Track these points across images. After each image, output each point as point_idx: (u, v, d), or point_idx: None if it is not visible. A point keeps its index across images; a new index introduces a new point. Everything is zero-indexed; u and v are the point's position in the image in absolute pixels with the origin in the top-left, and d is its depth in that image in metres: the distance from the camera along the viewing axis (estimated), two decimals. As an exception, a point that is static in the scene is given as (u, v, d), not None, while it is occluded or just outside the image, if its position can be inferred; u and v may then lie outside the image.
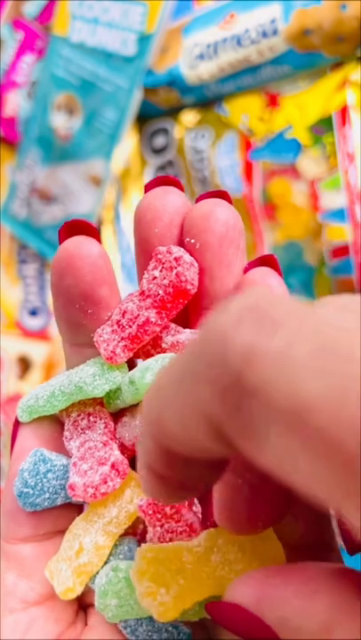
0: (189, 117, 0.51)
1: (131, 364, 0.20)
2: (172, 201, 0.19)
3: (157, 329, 0.19)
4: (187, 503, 0.19)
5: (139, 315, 0.19)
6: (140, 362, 0.20)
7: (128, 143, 0.53)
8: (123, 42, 0.51)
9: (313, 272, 0.45)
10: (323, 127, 0.45)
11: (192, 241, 0.19)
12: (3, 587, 0.19)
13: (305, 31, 0.43)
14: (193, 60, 0.48)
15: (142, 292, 0.19)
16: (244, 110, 0.48)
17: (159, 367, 0.18)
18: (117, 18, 0.51)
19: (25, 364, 0.59)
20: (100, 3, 0.52)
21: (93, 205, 0.54)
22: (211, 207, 0.19)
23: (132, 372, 0.19)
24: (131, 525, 0.19)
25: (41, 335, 0.59)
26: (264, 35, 0.44)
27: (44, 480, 0.19)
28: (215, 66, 0.47)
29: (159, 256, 0.19)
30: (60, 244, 0.19)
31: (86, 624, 0.19)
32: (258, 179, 0.48)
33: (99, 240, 0.19)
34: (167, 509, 0.18)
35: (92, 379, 0.19)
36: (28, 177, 0.57)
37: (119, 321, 0.19)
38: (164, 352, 0.19)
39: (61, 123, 0.55)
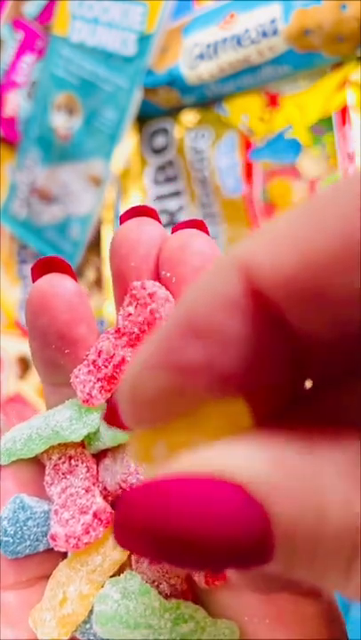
0: (189, 117, 0.51)
1: None
2: (147, 232, 0.18)
3: None
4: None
5: (114, 354, 0.18)
6: None
7: (128, 143, 0.53)
8: (123, 42, 0.51)
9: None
10: (323, 127, 0.45)
11: (168, 274, 0.18)
12: None
13: (305, 31, 0.43)
14: (193, 60, 0.48)
15: (118, 330, 0.19)
16: (244, 110, 0.48)
17: None
18: (117, 18, 0.51)
19: (25, 364, 0.59)
20: (100, 3, 0.52)
21: (93, 205, 0.54)
22: (186, 239, 0.18)
23: None
24: (116, 572, 0.19)
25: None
26: (264, 35, 0.45)
27: (24, 528, 0.19)
28: (215, 66, 0.47)
29: (134, 292, 0.18)
30: (33, 282, 0.18)
31: None
32: (258, 179, 0.48)
33: (73, 277, 0.18)
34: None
35: (69, 423, 0.18)
36: (28, 177, 0.57)
37: (95, 361, 0.18)
38: None
39: (61, 123, 0.55)
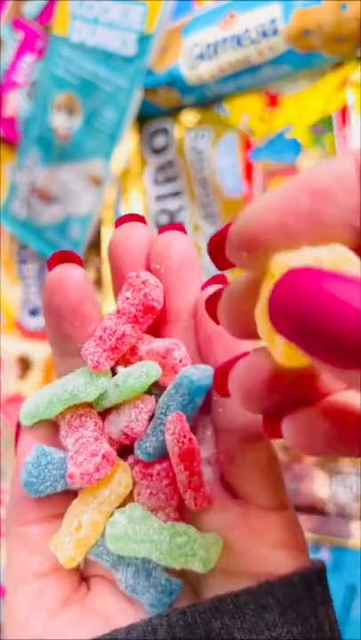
0: (189, 117, 0.51)
1: (113, 371, 0.24)
2: (138, 234, 0.23)
3: (133, 340, 0.23)
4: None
5: (116, 330, 0.22)
6: (120, 368, 0.24)
7: (128, 143, 0.53)
8: (123, 42, 0.51)
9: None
10: (323, 127, 0.45)
11: (157, 266, 0.23)
12: (16, 562, 0.23)
13: (305, 31, 0.43)
14: (193, 60, 0.48)
15: (118, 311, 0.23)
16: (244, 110, 0.48)
17: (138, 372, 0.22)
18: (117, 18, 0.51)
19: (25, 364, 0.59)
20: (100, 3, 0.52)
21: (93, 205, 0.54)
22: (170, 239, 0.23)
23: (115, 377, 0.23)
24: (121, 504, 0.23)
25: (41, 335, 0.59)
26: (264, 35, 0.44)
27: (46, 471, 0.23)
28: (215, 66, 0.47)
29: (130, 280, 0.23)
30: (49, 271, 0.23)
31: (89, 590, 0.23)
32: (258, 179, 0.48)
33: (83, 267, 0.23)
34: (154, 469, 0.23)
35: (84, 387, 0.22)
36: (28, 177, 0.57)
37: (101, 336, 0.22)
38: (141, 359, 0.23)
39: (61, 123, 0.55)
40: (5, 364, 0.59)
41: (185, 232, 0.23)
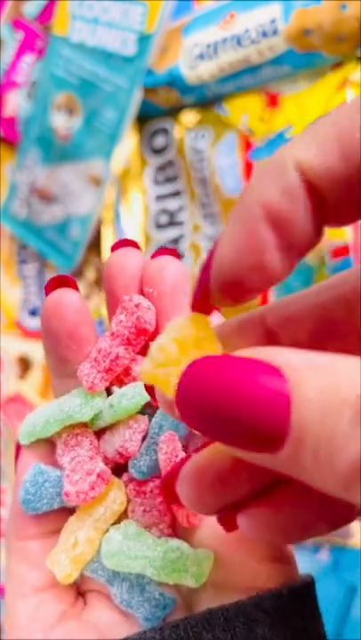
0: (189, 117, 0.51)
1: (108, 391, 0.24)
2: (132, 259, 0.24)
3: (126, 361, 0.24)
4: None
5: (110, 352, 0.23)
6: (115, 389, 0.24)
7: (128, 143, 0.53)
8: (123, 42, 0.51)
9: (313, 272, 0.45)
10: (323, 127, 0.45)
11: (150, 290, 0.24)
12: (16, 576, 0.23)
13: (305, 31, 0.43)
14: (193, 60, 0.48)
15: (112, 334, 0.24)
16: (244, 110, 0.48)
17: (131, 393, 0.23)
18: (117, 18, 0.51)
19: (25, 364, 0.59)
20: (100, 3, 0.52)
21: (93, 205, 0.54)
22: (163, 263, 0.24)
23: (110, 397, 0.24)
24: (116, 521, 0.24)
25: (41, 335, 0.59)
26: (264, 35, 0.44)
27: (43, 489, 0.23)
28: (215, 66, 0.47)
29: (124, 304, 0.23)
30: (46, 295, 0.23)
31: (85, 604, 0.24)
32: (258, 179, 0.48)
33: (78, 291, 0.24)
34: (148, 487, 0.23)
35: (80, 407, 0.23)
36: (28, 177, 0.57)
37: (96, 358, 0.23)
38: (135, 379, 0.24)
39: (61, 123, 0.55)
40: (5, 364, 0.59)
41: (178, 257, 0.24)
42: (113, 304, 0.24)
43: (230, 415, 0.13)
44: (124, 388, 0.24)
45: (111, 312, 0.24)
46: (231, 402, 0.13)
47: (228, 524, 0.20)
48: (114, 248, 0.25)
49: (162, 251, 0.24)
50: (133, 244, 0.25)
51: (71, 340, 0.23)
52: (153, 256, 0.24)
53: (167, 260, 0.24)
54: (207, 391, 0.14)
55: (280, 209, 0.15)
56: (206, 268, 0.16)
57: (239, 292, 0.16)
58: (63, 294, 0.23)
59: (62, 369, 0.24)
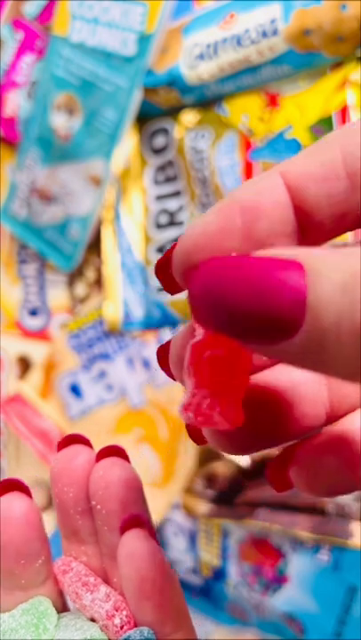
0: (189, 117, 0.51)
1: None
2: (81, 462, 0.22)
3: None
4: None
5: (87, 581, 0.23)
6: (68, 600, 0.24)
7: (128, 143, 0.53)
8: (123, 42, 0.51)
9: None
10: (323, 127, 0.45)
11: (98, 506, 0.22)
12: None
13: (305, 31, 0.43)
14: (193, 60, 0.48)
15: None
16: (244, 110, 0.48)
17: (81, 637, 0.22)
18: (117, 18, 0.51)
19: (25, 364, 0.59)
20: (100, 3, 0.52)
21: (93, 205, 0.54)
22: (107, 469, 0.22)
23: (61, 632, 0.22)
24: None
25: (41, 335, 0.59)
26: (264, 35, 0.44)
27: None
28: (215, 66, 0.47)
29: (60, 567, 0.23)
30: None
31: None
32: (258, 179, 0.48)
33: (30, 495, 0.22)
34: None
35: None
36: (28, 177, 0.57)
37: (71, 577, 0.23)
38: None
39: (61, 123, 0.55)
40: (5, 364, 0.59)
41: (124, 455, 0.23)
42: (63, 514, 0.23)
43: (245, 305, 0.13)
44: (75, 632, 0.22)
45: (62, 522, 0.23)
46: (246, 292, 0.13)
47: (280, 482, 0.19)
48: (60, 446, 0.23)
49: (105, 450, 0.23)
50: (83, 440, 0.23)
51: (19, 556, 0.22)
52: (97, 457, 0.23)
53: (112, 464, 0.22)
54: (223, 285, 0.13)
55: (253, 200, 0.15)
56: (172, 246, 0.16)
57: (192, 273, 0.16)
58: (12, 503, 0.22)
59: (11, 581, 0.22)
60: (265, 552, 0.48)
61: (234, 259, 0.14)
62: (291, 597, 0.46)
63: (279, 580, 0.47)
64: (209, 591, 0.51)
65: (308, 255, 0.13)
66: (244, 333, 0.14)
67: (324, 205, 0.16)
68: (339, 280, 0.12)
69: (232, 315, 0.13)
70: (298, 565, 0.46)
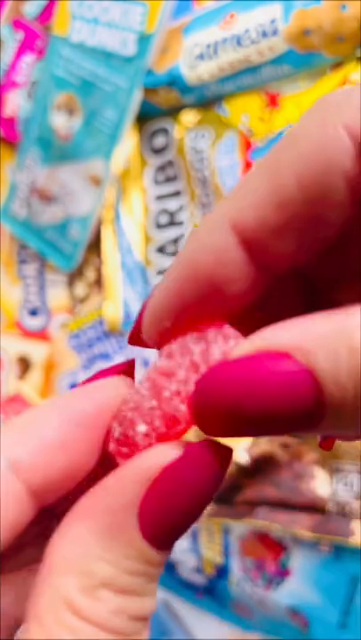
0: (189, 117, 0.51)
1: None
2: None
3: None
4: None
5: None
6: None
7: (128, 143, 0.53)
8: (123, 42, 0.51)
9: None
10: (323, 127, 0.45)
11: None
12: None
13: (305, 31, 0.43)
14: (193, 60, 0.48)
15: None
16: (244, 110, 0.49)
17: None
18: (117, 18, 0.51)
19: (25, 364, 0.59)
20: (100, 3, 0.52)
21: (93, 205, 0.54)
22: None
23: None
24: None
25: (41, 335, 0.59)
26: (264, 35, 0.45)
27: None
28: (215, 66, 0.47)
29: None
30: None
31: None
32: (258, 178, 0.48)
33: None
34: None
35: None
36: (28, 177, 0.57)
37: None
38: None
39: (61, 123, 0.55)
40: (5, 364, 0.59)
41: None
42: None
43: (266, 412, 0.13)
44: None
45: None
46: (261, 401, 0.13)
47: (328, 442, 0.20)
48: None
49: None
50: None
51: None
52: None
53: None
54: (233, 400, 0.13)
55: (208, 269, 0.16)
56: (142, 308, 0.17)
57: (164, 335, 0.17)
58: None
59: None
60: (267, 545, 0.48)
61: (239, 368, 0.14)
62: (294, 590, 0.46)
63: (282, 574, 0.47)
64: (213, 590, 0.51)
65: (298, 346, 0.13)
66: (266, 432, 0.14)
67: (287, 247, 0.16)
68: (345, 369, 0.12)
69: (257, 425, 0.13)
70: (300, 558, 0.46)
